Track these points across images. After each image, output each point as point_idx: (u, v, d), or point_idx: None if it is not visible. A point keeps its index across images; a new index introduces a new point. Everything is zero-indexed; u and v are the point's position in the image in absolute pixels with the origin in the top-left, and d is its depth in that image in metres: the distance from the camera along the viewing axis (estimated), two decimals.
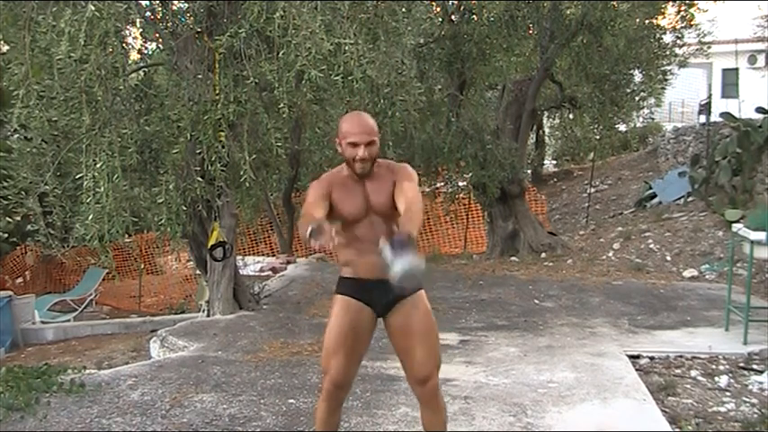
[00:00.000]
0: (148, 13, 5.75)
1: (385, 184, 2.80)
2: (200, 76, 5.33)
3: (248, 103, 5.24)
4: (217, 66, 5.22)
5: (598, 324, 5.85)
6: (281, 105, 4.93)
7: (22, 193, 5.46)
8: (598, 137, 10.88)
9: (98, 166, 4.89)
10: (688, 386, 4.40)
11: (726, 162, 9.80)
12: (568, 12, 8.93)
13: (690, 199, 10.74)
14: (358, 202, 2.79)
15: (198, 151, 5.45)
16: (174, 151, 5.33)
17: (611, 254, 9.18)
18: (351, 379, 2.87)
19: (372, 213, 2.79)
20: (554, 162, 20.32)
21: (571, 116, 11.63)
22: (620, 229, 10.28)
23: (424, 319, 2.80)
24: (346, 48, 4.81)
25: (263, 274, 10.59)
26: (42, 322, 10.20)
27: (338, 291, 2.88)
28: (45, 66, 4.94)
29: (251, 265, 11.21)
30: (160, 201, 5.28)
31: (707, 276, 7.90)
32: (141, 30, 5.72)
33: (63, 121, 5.24)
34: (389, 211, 2.77)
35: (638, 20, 8.98)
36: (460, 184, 10.24)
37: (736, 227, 5.72)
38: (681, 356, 4.97)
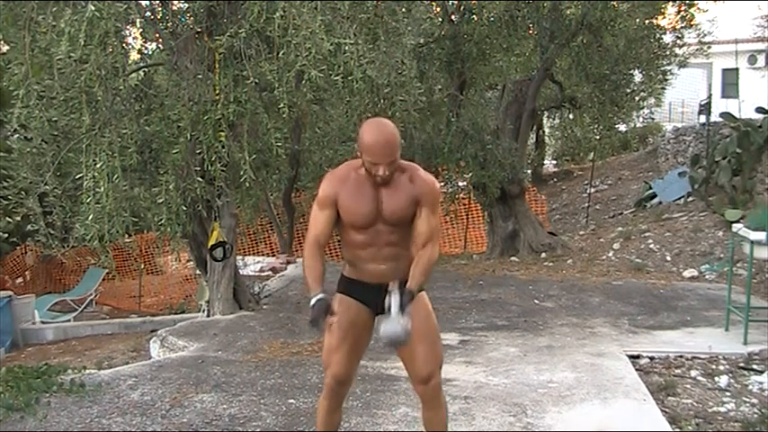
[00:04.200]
0: (148, 13, 5.74)
1: (403, 194, 2.68)
2: (200, 76, 5.32)
3: (248, 103, 5.24)
4: (217, 66, 5.22)
5: (598, 324, 5.85)
6: (281, 105, 4.93)
7: (22, 193, 5.45)
8: (598, 137, 10.89)
9: (98, 166, 4.89)
10: (688, 386, 4.40)
11: (726, 162, 9.80)
12: (568, 12, 8.94)
13: (690, 199, 10.74)
14: (368, 209, 2.68)
15: (198, 151, 5.45)
16: (174, 151, 5.33)
17: (611, 254, 9.18)
18: (352, 375, 2.88)
19: (381, 222, 2.70)
20: (554, 162, 20.31)
21: (571, 116, 11.64)
22: (620, 229, 10.28)
23: (425, 319, 2.78)
24: (346, 48, 4.81)
25: (263, 274, 10.60)
26: (42, 322, 10.20)
27: (339, 289, 2.87)
28: (45, 66, 4.94)
29: (251, 265, 11.22)
30: (160, 201, 5.28)
31: (707, 276, 7.90)
32: (141, 30, 5.72)
33: (63, 121, 5.24)
34: (400, 222, 2.69)
35: (638, 20, 8.99)
36: (460, 184, 10.24)
37: (736, 227, 5.72)
38: (681, 356, 4.96)
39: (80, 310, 11.04)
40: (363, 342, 2.86)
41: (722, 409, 4.02)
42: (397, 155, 2.63)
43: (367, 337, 2.86)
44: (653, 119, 12.96)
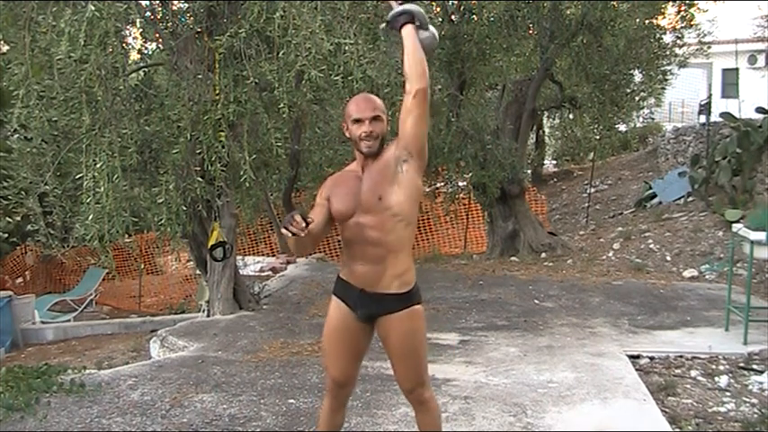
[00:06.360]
0: (148, 13, 5.74)
1: (381, 169, 2.65)
2: (200, 76, 5.33)
3: (248, 103, 5.24)
4: (217, 66, 5.22)
5: (598, 324, 5.85)
6: (281, 105, 4.93)
7: (22, 193, 5.45)
8: (598, 137, 10.89)
9: (98, 166, 4.88)
10: (688, 386, 4.40)
11: (726, 162, 9.80)
12: (568, 12, 8.94)
13: (690, 199, 10.74)
14: (347, 199, 2.67)
15: (198, 151, 5.44)
16: (174, 151, 5.32)
17: (611, 254, 9.18)
18: (352, 377, 2.86)
19: (360, 212, 2.63)
20: (554, 162, 20.32)
21: (571, 116, 11.65)
22: (620, 229, 10.28)
23: (405, 339, 2.69)
24: (346, 48, 4.81)
25: (263, 274, 10.59)
26: (42, 322, 10.20)
27: (334, 289, 2.84)
28: (45, 66, 4.94)
29: (251, 265, 11.21)
30: (160, 201, 5.28)
31: (707, 276, 7.90)
32: (141, 30, 5.72)
33: (63, 121, 5.23)
34: (376, 205, 2.60)
35: (638, 20, 9.00)
36: (460, 184, 10.24)
37: (736, 227, 5.73)
38: (681, 356, 4.97)
39: (80, 310, 11.03)
40: (361, 345, 2.80)
41: (722, 409, 4.02)
42: (381, 114, 2.72)
43: (364, 338, 2.80)
44: (653, 119, 12.97)
